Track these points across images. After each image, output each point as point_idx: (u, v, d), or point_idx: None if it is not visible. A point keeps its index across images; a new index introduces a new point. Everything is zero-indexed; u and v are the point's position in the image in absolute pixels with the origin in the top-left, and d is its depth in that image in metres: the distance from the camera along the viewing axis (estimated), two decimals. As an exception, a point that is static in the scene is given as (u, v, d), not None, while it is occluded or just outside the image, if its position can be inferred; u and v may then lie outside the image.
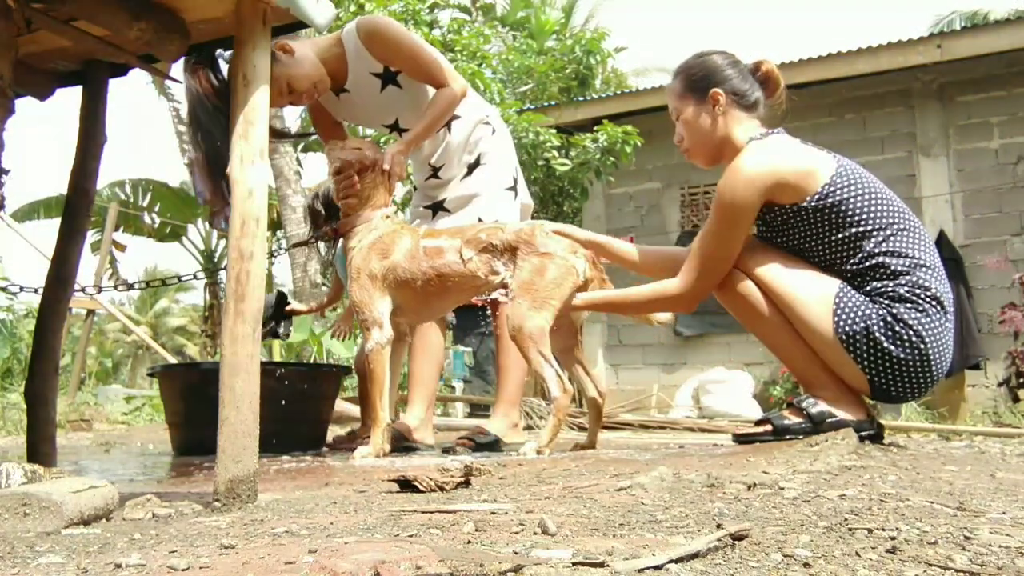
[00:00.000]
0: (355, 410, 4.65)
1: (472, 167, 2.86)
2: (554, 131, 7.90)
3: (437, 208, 2.90)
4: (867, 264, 2.17)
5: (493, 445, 2.68)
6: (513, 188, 2.92)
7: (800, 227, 2.24)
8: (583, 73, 8.67)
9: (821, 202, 2.17)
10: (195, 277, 3.55)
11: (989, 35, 7.15)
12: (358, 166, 2.54)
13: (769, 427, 2.28)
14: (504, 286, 2.42)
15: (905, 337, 2.11)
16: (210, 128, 2.25)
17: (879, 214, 2.18)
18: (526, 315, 2.31)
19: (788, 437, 2.20)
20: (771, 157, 2.22)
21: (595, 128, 7.83)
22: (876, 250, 2.16)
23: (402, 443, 2.68)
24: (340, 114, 2.93)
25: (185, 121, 2.32)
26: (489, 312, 2.94)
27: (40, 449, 2.21)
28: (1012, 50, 6.91)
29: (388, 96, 2.77)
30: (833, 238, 2.20)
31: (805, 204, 2.19)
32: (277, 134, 3.49)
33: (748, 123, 2.35)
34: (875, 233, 2.16)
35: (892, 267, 2.14)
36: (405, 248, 2.45)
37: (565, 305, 2.37)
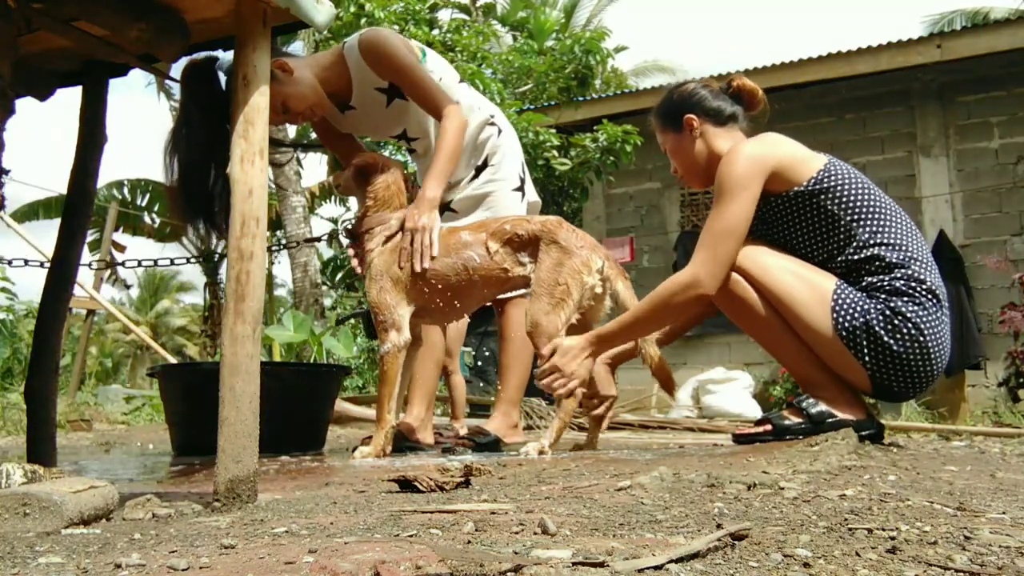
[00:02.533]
0: (355, 410, 4.65)
1: (480, 169, 2.85)
2: (554, 131, 7.90)
3: (444, 209, 2.89)
4: (862, 255, 2.18)
5: (493, 445, 2.68)
6: (520, 188, 2.92)
7: (795, 216, 2.26)
8: (583, 73, 8.66)
9: (817, 186, 2.21)
10: (188, 261, 3.54)
11: (989, 35, 7.16)
12: (372, 169, 2.55)
13: (769, 427, 2.28)
14: (528, 280, 2.41)
15: (904, 331, 2.12)
16: (192, 145, 2.25)
17: (871, 203, 2.22)
18: (544, 312, 2.32)
19: (788, 437, 2.20)
20: (766, 144, 2.27)
21: (595, 128, 7.83)
22: (871, 240, 2.18)
23: (403, 443, 2.68)
24: (346, 129, 2.89)
25: (166, 141, 2.29)
26: (496, 312, 2.94)
27: (40, 449, 2.21)
28: (1012, 50, 6.92)
29: (394, 109, 2.73)
30: (828, 227, 2.22)
31: (801, 189, 2.22)
32: (275, 142, 3.44)
33: (728, 136, 2.39)
34: (868, 222, 2.19)
35: (887, 259, 2.16)
36: None
37: (588, 317, 2.36)
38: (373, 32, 2.66)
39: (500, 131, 2.89)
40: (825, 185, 2.21)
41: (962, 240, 7.33)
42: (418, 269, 2.39)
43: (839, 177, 2.22)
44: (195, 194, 2.32)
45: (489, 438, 2.69)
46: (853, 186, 2.21)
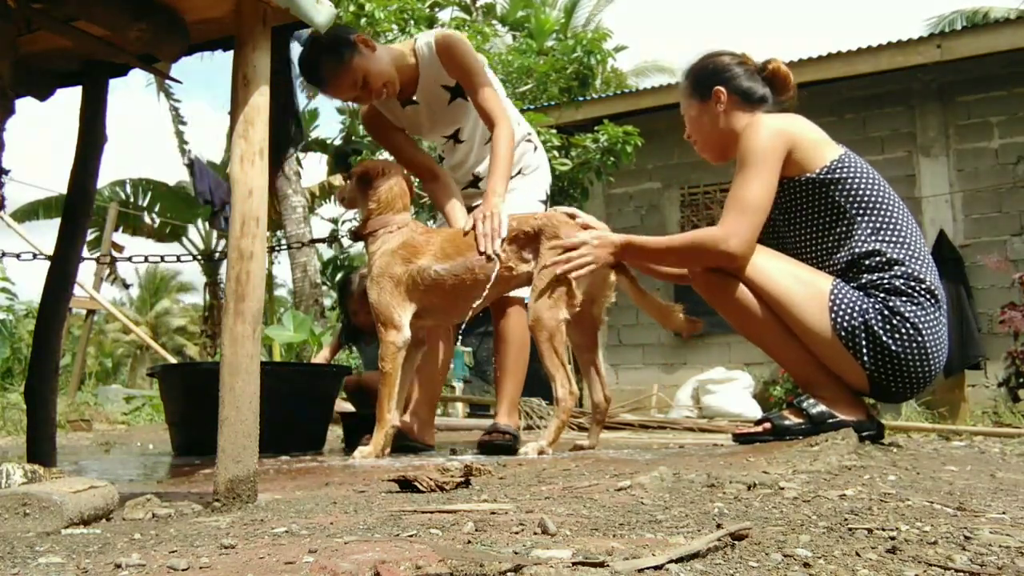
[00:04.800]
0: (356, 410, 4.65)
1: (511, 178, 2.88)
2: (554, 131, 7.89)
3: (468, 211, 2.91)
4: (863, 249, 2.18)
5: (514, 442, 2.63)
6: (546, 202, 2.98)
7: (802, 203, 2.26)
8: (583, 73, 8.65)
9: (829, 175, 2.21)
10: (194, 258, 3.55)
11: (989, 35, 7.16)
12: (374, 174, 2.56)
13: (769, 426, 2.28)
14: (531, 277, 2.41)
15: (903, 331, 2.11)
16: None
17: (878, 199, 2.22)
18: (547, 307, 2.32)
19: (788, 437, 2.20)
20: (788, 120, 2.28)
21: (595, 128, 7.82)
22: (874, 235, 2.18)
23: (405, 443, 2.67)
24: (402, 123, 2.93)
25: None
26: (492, 312, 2.93)
27: (40, 449, 2.21)
28: (1012, 50, 6.91)
29: (454, 108, 2.81)
30: (832, 218, 2.23)
31: (813, 176, 2.22)
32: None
33: (750, 119, 2.37)
34: (872, 218, 2.19)
35: (887, 254, 2.16)
36: (432, 249, 2.45)
37: (616, 259, 2.37)
38: (452, 33, 2.76)
39: (536, 148, 3.00)
40: (837, 176, 2.21)
41: (962, 240, 7.33)
42: (489, 252, 2.40)
43: (852, 170, 2.22)
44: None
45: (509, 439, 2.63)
46: (864, 181, 2.21)
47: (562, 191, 8.30)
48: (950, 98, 7.55)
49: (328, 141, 15.58)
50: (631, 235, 2.41)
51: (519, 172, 2.93)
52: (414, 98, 2.81)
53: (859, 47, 7.44)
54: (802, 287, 2.19)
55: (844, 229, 2.22)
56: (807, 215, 2.27)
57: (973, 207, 7.40)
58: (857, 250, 2.19)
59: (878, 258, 2.16)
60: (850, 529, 1.00)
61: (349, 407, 4.59)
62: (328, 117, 19.72)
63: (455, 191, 2.85)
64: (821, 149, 2.24)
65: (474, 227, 2.45)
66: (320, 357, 5.05)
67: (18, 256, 2.90)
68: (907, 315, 2.11)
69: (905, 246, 2.17)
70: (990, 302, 7.09)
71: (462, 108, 2.81)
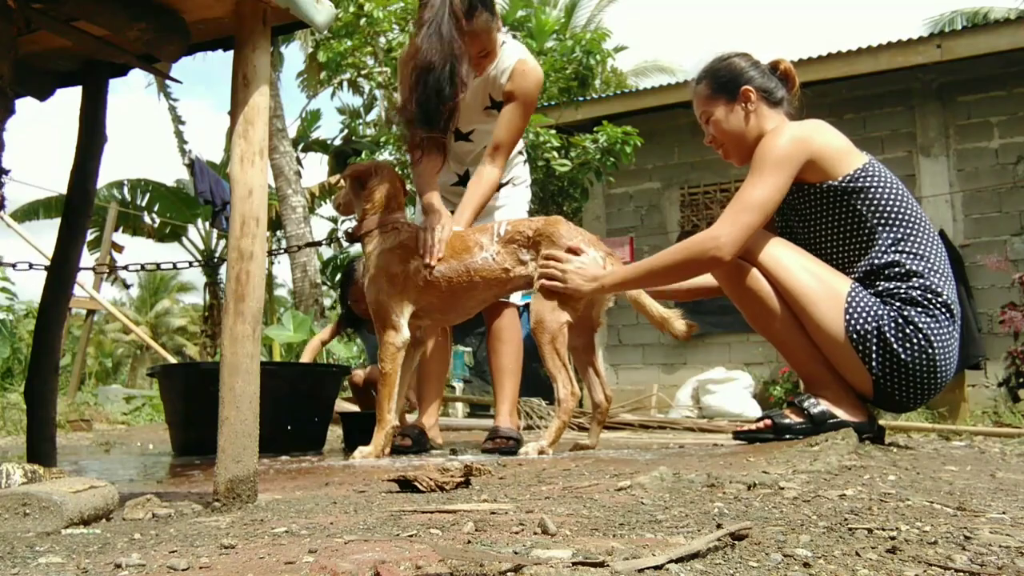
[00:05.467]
0: (356, 410, 4.65)
1: (501, 185, 2.92)
2: (554, 131, 7.89)
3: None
4: (883, 260, 2.17)
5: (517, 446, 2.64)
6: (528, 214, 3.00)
7: (823, 210, 2.25)
8: (583, 73, 8.65)
9: (851, 184, 2.20)
10: (191, 265, 3.56)
11: (989, 35, 7.15)
12: (367, 175, 2.57)
13: (769, 423, 2.28)
14: (529, 279, 2.41)
15: (914, 340, 2.11)
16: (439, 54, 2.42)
17: (900, 210, 2.20)
18: (549, 309, 2.32)
19: (788, 437, 2.20)
20: (812, 128, 2.27)
21: (595, 128, 7.82)
22: (894, 247, 2.17)
23: (428, 445, 2.67)
24: None
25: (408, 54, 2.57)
26: (484, 314, 2.94)
27: (40, 449, 2.21)
28: (1012, 50, 6.91)
29: (484, 114, 2.85)
30: (852, 227, 2.22)
31: (835, 183, 2.21)
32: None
33: (777, 119, 2.38)
34: (893, 229, 2.18)
35: (906, 266, 2.15)
36: None
37: (590, 296, 2.36)
38: (536, 68, 2.78)
39: (525, 160, 3.07)
40: (859, 185, 2.20)
41: (962, 240, 7.33)
42: (431, 262, 2.42)
43: (874, 179, 2.21)
44: (431, 100, 2.47)
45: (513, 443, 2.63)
46: (886, 191, 2.20)
47: (562, 191, 8.30)
48: (950, 98, 7.54)
49: (328, 142, 15.59)
50: (616, 274, 2.34)
51: (509, 181, 2.96)
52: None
53: (859, 47, 7.44)
54: (820, 285, 2.19)
55: (865, 239, 2.21)
56: (828, 223, 2.26)
57: (973, 207, 7.40)
58: (877, 261, 2.18)
59: (897, 269, 2.16)
60: (850, 529, 1.00)
61: (349, 407, 4.60)
62: (329, 118, 19.72)
63: (436, 182, 2.88)
64: (845, 157, 2.23)
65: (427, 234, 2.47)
66: (317, 339, 5.05)
67: (13, 266, 2.90)
68: (920, 326, 2.10)
69: (925, 259, 2.16)
70: (990, 302, 7.09)
71: (489, 117, 2.85)
